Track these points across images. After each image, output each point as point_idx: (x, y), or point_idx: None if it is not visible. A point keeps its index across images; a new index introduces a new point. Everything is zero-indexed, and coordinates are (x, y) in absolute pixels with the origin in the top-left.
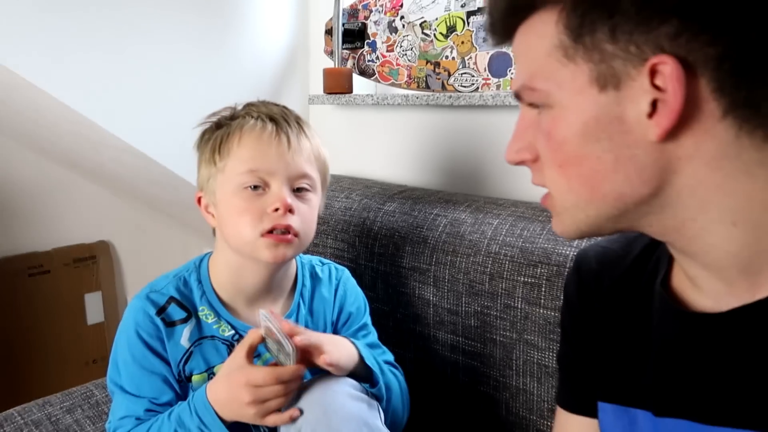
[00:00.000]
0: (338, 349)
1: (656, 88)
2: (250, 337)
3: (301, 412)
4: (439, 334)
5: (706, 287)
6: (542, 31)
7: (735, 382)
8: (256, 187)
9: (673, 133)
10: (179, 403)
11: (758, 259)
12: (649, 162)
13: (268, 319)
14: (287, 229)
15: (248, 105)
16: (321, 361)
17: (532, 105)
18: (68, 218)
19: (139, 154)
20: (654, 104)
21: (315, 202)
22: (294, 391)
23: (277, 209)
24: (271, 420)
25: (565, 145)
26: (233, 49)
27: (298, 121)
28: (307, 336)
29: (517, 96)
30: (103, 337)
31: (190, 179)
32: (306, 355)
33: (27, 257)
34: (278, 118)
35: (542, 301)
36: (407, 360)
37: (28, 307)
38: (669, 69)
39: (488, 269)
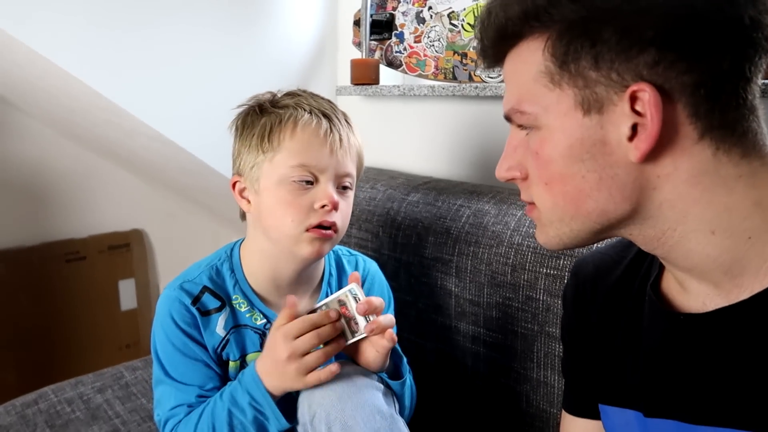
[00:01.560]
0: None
1: (636, 113)
2: (288, 308)
3: (339, 368)
4: (460, 325)
5: (694, 289)
6: (529, 58)
7: (721, 381)
8: (306, 182)
9: (652, 154)
10: (229, 382)
11: (739, 263)
12: (629, 181)
13: (354, 296)
14: (330, 226)
15: (294, 95)
16: (388, 336)
17: (521, 126)
18: (103, 206)
19: (169, 143)
20: (634, 128)
21: (352, 198)
22: (329, 337)
23: (324, 206)
24: (312, 378)
25: (552, 164)
26: (263, 39)
27: (346, 118)
28: (379, 323)
29: (507, 118)
30: (135, 323)
31: (219, 168)
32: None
33: (64, 243)
34: (330, 115)
35: (562, 293)
36: (428, 350)
37: (65, 291)
38: (647, 96)
39: (511, 260)
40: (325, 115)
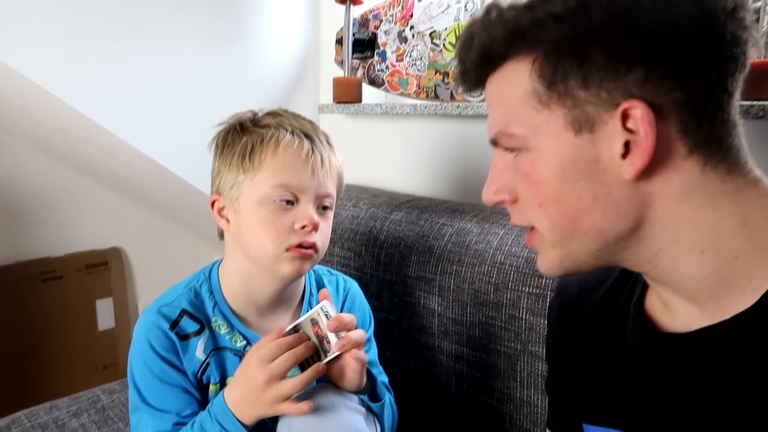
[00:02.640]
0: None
1: (628, 130)
2: (273, 333)
3: (313, 406)
4: (443, 344)
5: (679, 310)
6: (515, 80)
7: (704, 401)
8: (286, 202)
9: (645, 171)
10: (200, 412)
11: (725, 283)
12: (624, 198)
13: (325, 313)
14: (311, 246)
15: (276, 114)
16: (354, 355)
17: (508, 149)
18: (81, 224)
19: (150, 161)
20: (626, 145)
21: (332, 217)
22: (305, 356)
23: (304, 226)
24: (286, 407)
25: (545, 185)
26: (245, 57)
27: (327, 139)
28: (349, 339)
29: (494, 142)
30: (113, 343)
31: (199, 187)
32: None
33: (40, 262)
34: (312, 136)
35: (547, 312)
36: (412, 370)
37: (40, 312)
38: (639, 113)
39: (493, 279)
40: (307, 136)
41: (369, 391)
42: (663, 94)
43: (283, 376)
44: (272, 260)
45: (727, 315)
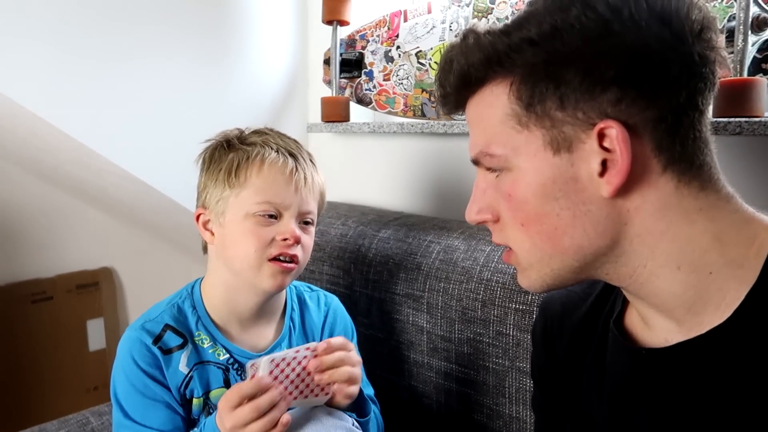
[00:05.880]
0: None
1: (604, 149)
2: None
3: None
4: (433, 361)
5: (657, 326)
6: (494, 102)
7: (681, 415)
8: (269, 216)
9: (622, 189)
10: None
11: (701, 298)
12: (602, 216)
13: (293, 358)
14: (292, 259)
15: (262, 133)
16: (346, 394)
17: (490, 169)
18: (72, 245)
19: (139, 182)
20: (604, 164)
21: (314, 232)
22: (269, 407)
23: (286, 239)
24: None
25: (526, 204)
26: (234, 78)
27: (311, 157)
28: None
29: (475, 162)
30: (104, 363)
31: (189, 207)
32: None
33: (30, 284)
34: (296, 154)
35: (531, 330)
36: (402, 387)
37: (31, 333)
38: (615, 132)
39: (480, 296)
40: (291, 155)
41: (356, 408)
42: (636, 113)
43: (246, 424)
44: (254, 272)
45: (703, 330)
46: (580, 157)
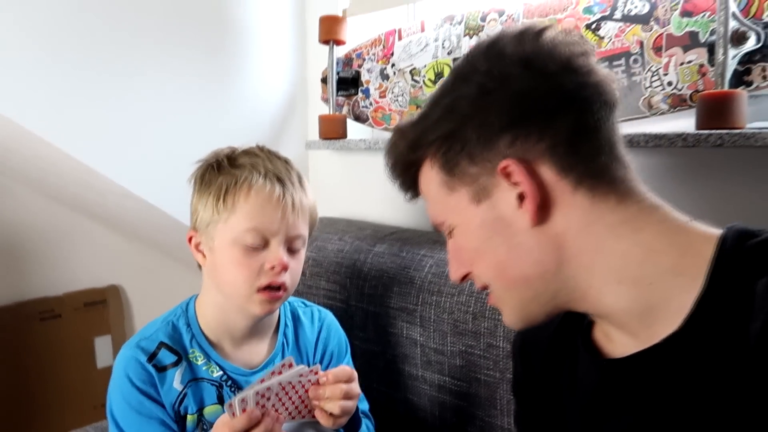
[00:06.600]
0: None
1: (515, 184)
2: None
3: None
4: (426, 374)
5: (617, 340)
6: (429, 177)
7: (644, 424)
8: (257, 243)
9: (541, 215)
10: None
11: (649, 310)
12: (534, 244)
13: (288, 382)
14: (280, 287)
15: (252, 154)
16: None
17: (449, 234)
18: (79, 263)
19: (141, 201)
20: (521, 197)
21: (303, 256)
22: None
23: (273, 267)
24: None
25: (472, 250)
26: (234, 97)
27: (300, 179)
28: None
29: (437, 230)
30: None
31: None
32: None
33: (38, 302)
34: (284, 179)
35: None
36: (397, 401)
37: (39, 351)
38: (514, 168)
39: (471, 308)
40: (279, 179)
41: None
42: (531, 147)
43: None
44: (244, 299)
45: (657, 339)
46: (500, 198)
